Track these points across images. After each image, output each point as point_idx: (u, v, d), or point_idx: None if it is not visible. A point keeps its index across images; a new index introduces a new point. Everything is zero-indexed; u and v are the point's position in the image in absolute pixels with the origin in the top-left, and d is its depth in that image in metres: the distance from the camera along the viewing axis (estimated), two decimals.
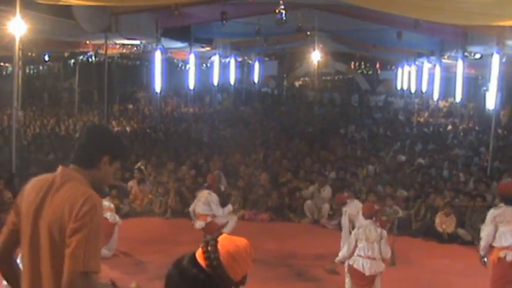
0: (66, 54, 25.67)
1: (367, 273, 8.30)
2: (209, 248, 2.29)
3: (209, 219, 11.64)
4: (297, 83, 51.74)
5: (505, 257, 7.70)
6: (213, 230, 11.52)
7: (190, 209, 11.77)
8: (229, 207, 12.00)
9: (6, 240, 3.58)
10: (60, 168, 3.48)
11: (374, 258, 8.39)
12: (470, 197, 13.94)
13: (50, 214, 3.32)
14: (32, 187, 3.50)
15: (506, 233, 7.78)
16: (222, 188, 15.18)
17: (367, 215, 8.72)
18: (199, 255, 2.30)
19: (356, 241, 8.45)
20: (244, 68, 41.17)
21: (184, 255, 2.39)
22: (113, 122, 25.85)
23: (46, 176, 3.53)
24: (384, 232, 8.56)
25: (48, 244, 3.33)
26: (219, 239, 2.35)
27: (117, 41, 21.81)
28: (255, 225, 13.77)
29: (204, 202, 11.60)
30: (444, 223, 12.94)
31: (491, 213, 8.03)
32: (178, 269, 2.35)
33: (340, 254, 8.65)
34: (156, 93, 24.20)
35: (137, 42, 23.01)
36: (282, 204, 14.65)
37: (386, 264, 8.53)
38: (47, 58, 28.50)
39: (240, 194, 14.98)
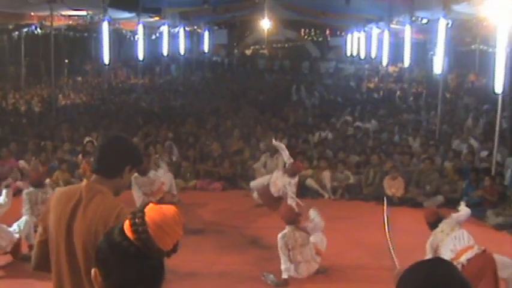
0: (10, 27, 25.09)
1: (305, 276, 8.59)
2: (137, 221, 2.23)
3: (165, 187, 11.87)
4: (247, 51, 51.62)
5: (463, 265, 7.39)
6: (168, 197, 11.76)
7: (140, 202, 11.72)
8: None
9: (39, 252, 3.72)
10: (85, 182, 3.63)
11: (307, 261, 8.61)
12: (418, 160, 14.21)
13: (84, 228, 3.45)
14: (58, 199, 3.62)
15: (444, 247, 7.80)
16: (174, 158, 15.16)
17: (288, 221, 8.74)
18: (127, 228, 2.24)
19: (288, 250, 8.55)
20: (193, 38, 40.87)
21: (114, 227, 2.34)
22: (60, 96, 25.48)
23: (71, 188, 3.70)
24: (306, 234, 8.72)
25: (82, 256, 3.47)
26: (146, 209, 2.29)
27: (63, 13, 21.37)
28: (208, 194, 13.78)
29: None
30: (392, 186, 13.14)
31: (428, 243, 8.07)
32: (109, 241, 2.29)
33: (283, 268, 8.53)
34: (105, 64, 23.87)
35: (84, 13, 22.59)
36: (234, 173, 14.67)
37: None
38: None
39: (191, 164, 14.95)
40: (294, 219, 8.67)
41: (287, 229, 8.58)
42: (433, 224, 8.11)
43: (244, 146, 16.05)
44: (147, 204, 2.33)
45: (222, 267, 9.09)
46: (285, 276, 8.46)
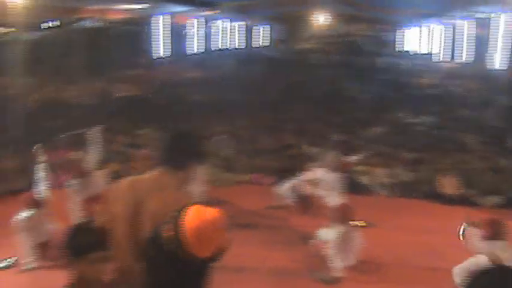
0: (67, 21, 25.40)
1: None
2: (175, 220, 2.15)
3: None
4: (302, 46, 51.27)
5: None
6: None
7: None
8: None
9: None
10: (155, 172, 3.75)
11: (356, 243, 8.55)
12: (475, 158, 13.90)
13: (156, 217, 3.40)
14: (127, 189, 3.72)
15: None
16: (228, 152, 15.14)
17: (344, 219, 8.49)
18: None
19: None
20: (249, 32, 40.84)
21: (166, 221, 2.26)
22: (113, 88, 25.68)
23: (141, 178, 3.82)
24: None
25: None
26: (189, 211, 2.18)
27: (119, 6, 21.58)
28: (261, 188, 13.70)
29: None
30: (447, 185, 12.86)
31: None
32: (155, 233, 2.24)
33: (336, 267, 8.39)
34: (159, 58, 24.01)
35: (139, 6, 22.77)
36: (287, 168, 14.56)
37: None
38: (51, 25, 28.16)
39: (245, 157, 14.91)
40: (349, 217, 8.51)
41: (342, 228, 8.39)
42: (490, 236, 7.68)
43: (298, 140, 15.93)
44: (191, 204, 2.24)
45: (270, 262, 9.02)
46: (337, 274, 8.33)
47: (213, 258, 2.18)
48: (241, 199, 12.63)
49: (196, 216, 2.14)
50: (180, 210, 2.18)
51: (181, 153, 3.76)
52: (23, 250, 8.76)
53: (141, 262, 2.27)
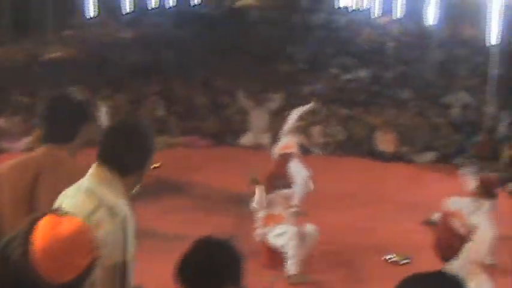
0: None
1: None
2: (25, 235, 1.74)
3: None
4: (239, 3, 50.47)
5: None
6: None
7: None
8: None
9: None
10: (45, 149, 3.14)
11: None
12: (411, 115, 13.90)
13: (50, 200, 2.93)
14: (11, 171, 3.12)
15: None
16: (160, 113, 14.76)
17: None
18: None
19: None
20: None
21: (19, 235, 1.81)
22: (41, 51, 24.78)
23: (28, 158, 3.21)
24: None
25: None
26: (42, 221, 1.78)
27: None
28: (196, 151, 13.40)
29: None
30: (385, 142, 12.78)
31: None
32: (3, 247, 1.79)
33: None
34: (91, 18, 23.28)
35: None
36: (222, 129, 14.30)
37: None
38: None
39: (178, 119, 14.53)
40: None
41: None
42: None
43: (232, 100, 15.58)
44: (44, 214, 1.79)
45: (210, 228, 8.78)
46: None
47: (75, 283, 1.77)
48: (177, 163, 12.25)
49: (51, 228, 1.73)
50: (31, 222, 1.75)
51: (63, 122, 3.10)
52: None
53: None
